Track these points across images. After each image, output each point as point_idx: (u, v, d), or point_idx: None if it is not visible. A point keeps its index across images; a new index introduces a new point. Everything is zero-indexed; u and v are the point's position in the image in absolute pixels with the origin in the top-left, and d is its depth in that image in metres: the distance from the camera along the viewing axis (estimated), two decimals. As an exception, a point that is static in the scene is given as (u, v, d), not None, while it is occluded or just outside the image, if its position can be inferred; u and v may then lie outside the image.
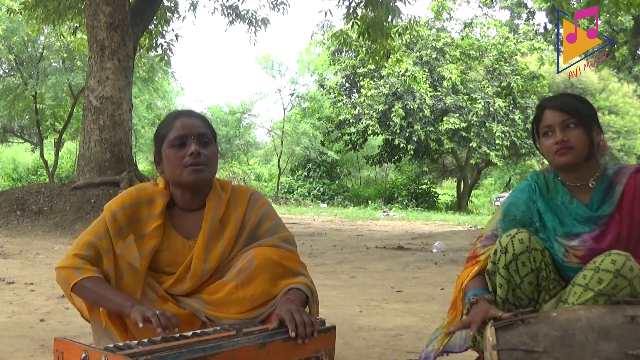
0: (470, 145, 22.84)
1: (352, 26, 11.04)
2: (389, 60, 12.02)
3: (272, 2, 13.46)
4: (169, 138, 1.84)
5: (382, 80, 23.24)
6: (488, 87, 23.14)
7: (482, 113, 22.33)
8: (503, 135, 22.39)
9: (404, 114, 22.38)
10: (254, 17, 13.63)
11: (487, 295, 1.75)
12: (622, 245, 1.73)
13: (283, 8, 13.46)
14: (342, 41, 11.75)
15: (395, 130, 22.65)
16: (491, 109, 22.47)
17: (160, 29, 12.96)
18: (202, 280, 1.82)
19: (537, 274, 1.74)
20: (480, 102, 22.44)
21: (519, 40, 23.92)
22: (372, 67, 13.26)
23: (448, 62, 23.20)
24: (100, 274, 1.75)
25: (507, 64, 23.53)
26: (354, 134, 24.58)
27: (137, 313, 1.63)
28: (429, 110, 22.36)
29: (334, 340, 1.68)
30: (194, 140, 1.82)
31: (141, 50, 12.96)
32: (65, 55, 19.06)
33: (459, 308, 1.85)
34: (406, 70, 21.38)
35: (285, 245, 1.89)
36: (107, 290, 1.73)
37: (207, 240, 1.84)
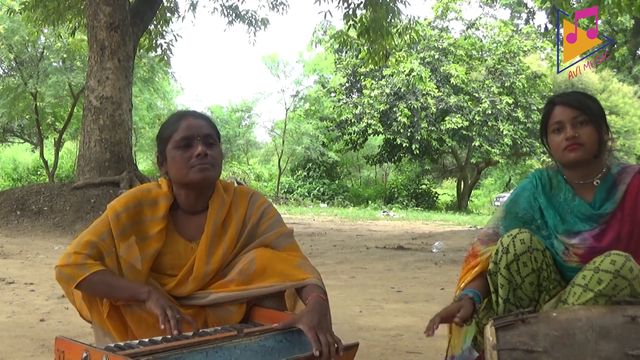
0: (473, 144, 22.85)
1: (348, 28, 11.04)
2: (388, 61, 12.01)
3: (271, 3, 13.48)
4: (174, 139, 1.82)
5: (383, 80, 23.24)
6: (492, 86, 23.17)
7: (490, 112, 22.34)
8: (513, 133, 22.44)
9: (409, 113, 22.40)
10: (254, 17, 13.65)
11: (476, 303, 1.74)
12: (622, 244, 1.73)
13: (282, 8, 13.49)
14: (342, 41, 11.75)
15: (399, 129, 22.65)
16: (498, 106, 22.50)
17: (160, 29, 12.97)
18: (204, 282, 1.83)
19: (538, 275, 1.75)
20: (485, 101, 22.46)
21: (521, 40, 23.93)
22: (372, 67, 13.27)
23: (450, 62, 23.21)
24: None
25: (509, 64, 23.54)
26: (354, 134, 24.58)
27: (158, 307, 1.63)
28: (435, 107, 22.38)
29: (353, 357, 1.66)
30: (200, 141, 1.80)
31: (141, 51, 12.97)
32: (65, 55, 19.06)
33: None
34: (411, 70, 21.37)
35: (287, 239, 1.90)
36: (119, 280, 1.73)
37: (209, 243, 1.83)
